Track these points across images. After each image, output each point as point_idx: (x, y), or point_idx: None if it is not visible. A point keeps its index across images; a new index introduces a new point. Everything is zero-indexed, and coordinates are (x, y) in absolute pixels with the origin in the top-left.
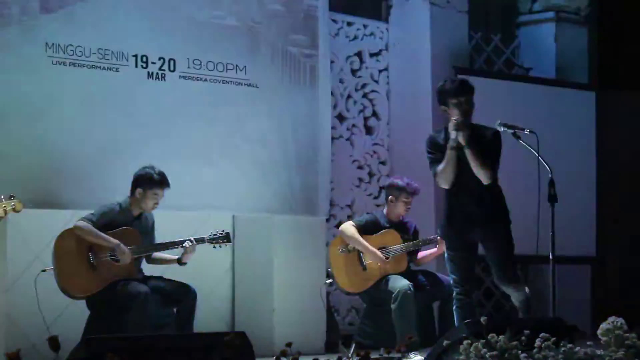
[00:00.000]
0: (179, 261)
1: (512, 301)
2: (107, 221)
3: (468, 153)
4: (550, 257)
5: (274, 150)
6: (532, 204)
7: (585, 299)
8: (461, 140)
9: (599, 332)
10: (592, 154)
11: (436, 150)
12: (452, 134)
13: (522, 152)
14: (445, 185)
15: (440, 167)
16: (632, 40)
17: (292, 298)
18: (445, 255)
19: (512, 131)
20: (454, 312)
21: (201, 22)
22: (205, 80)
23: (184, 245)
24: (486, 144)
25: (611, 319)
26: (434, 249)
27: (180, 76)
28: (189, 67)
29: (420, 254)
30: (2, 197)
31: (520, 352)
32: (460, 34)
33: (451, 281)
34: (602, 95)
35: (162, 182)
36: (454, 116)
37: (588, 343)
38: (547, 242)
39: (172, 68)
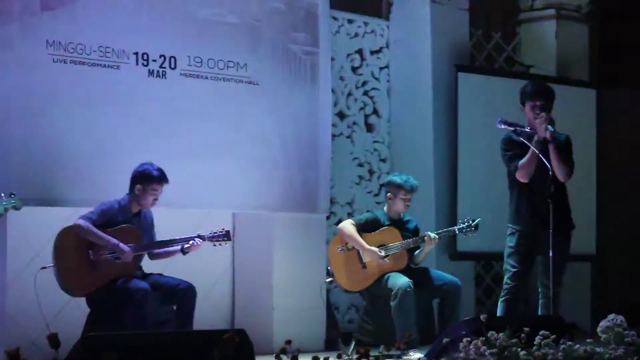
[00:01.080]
0: (183, 251)
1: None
2: (106, 219)
3: (551, 148)
4: (551, 254)
5: (275, 148)
6: None
7: (585, 296)
8: (545, 135)
9: (598, 329)
10: (592, 152)
11: (513, 148)
12: (540, 129)
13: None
14: (525, 179)
15: (523, 160)
16: (633, 37)
17: (292, 296)
18: (509, 249)
19: (512, 129)
20: (500, 304)
21: (202, 19)
22: (206, 77)
23: (192, 242)
24: (561, 146)
25: (611, 316)
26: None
27: (181, 74)
28: (189, 65)
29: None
30: (3, 194)
31: (519, 349)
32: (461, 32)
33: (508, 274)
34: (602, 92)
35: (160, 178)
36: (530, 116)
37: (588, 340)
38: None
39: (172, 65)
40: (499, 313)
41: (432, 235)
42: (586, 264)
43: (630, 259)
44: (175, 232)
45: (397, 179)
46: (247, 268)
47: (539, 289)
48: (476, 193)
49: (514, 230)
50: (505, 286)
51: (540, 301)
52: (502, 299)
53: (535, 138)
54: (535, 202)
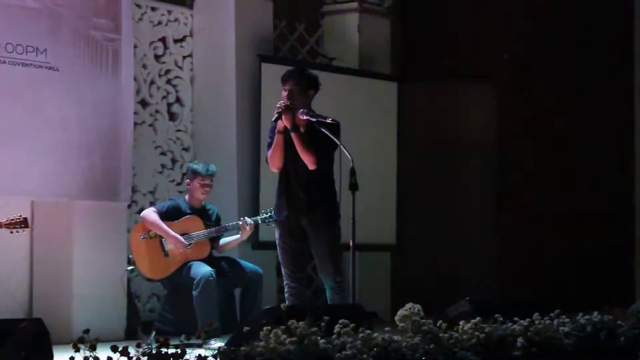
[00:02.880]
0: None
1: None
2: None
3: (293, 137)
4: (351, 244)
5: (75, 135)
6: None
7: (385, 285)
8: (286, 123)
9: (396, 318)
10: (393, 144)
11: (273, 136)
12: (275, 120)
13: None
14: (273, 169)
15: (269, 151)
16: (434, 32)
17: (92, 284)
18: (276, 242)
19: (315, 120)
20: (286, 301)
21: (0, 2)
22: (4, 62)
23: None
24: (319, 132)
25: (408, 305)
26: (237, 236)
27: None
28: None
29: (222, 241)
30: None
31: (319, 338)
32: (265, 22)
33: (283, 269)
34: (403, 86)
35: None
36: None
37: (386, 329)
38: (347, 229)
39: None
40: None
41: (249, 220)
42: (386, 254)
43: (429, 249)
44: None
45: (194, 165)
46: (45, 256)
47: (322, 280)
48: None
49: (274, 220)
50: (284, 281)
51: (327, 292)
52: (286, 296)
53: (278, 127)
54: (290, 191)
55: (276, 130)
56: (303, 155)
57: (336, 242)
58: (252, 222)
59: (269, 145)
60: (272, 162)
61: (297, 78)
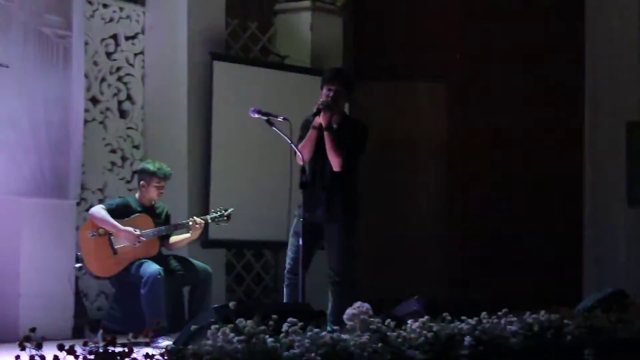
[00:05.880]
0: None
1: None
2: None
3: (325, 135)
4: (301, 242)
5: (24, 132)
6: (284, 190)
7: None
8: (322, 121)
9: (344, 317)
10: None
11: (305, 130)
12: (314, 115)
13: (275, 138)
14: (300, 162)
15: (301, 143)
16: (386, 31)
17: (39, 283)
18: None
19: (266, 118)
20: (284, 289)
21: None
22: None
23: None
24: (348, 134)
25: (357, 304)
26: (187, 235)
27: None
28: None
29: (172, 239)
30: None
31: (267, 337)
32: (217, 20)
33: (287, 258)
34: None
35: None
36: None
37: (335, 328)
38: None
39: None
40: (284, 299)
41: (199, 219)
42: None
43: (379, 249)
44: None
45: (150, 166)
46: None
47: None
48: (229, 181)
49: (295, 214)
50: (285, 272)
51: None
52: (284, 284)
53: (313, 122)
54: (313, 189)
55: (311, 125)
56: (331, 154)
57: (348, 244)
58: (202, 221)
59: (300, 139)
60: (301, 154)
61: (344, 80)
